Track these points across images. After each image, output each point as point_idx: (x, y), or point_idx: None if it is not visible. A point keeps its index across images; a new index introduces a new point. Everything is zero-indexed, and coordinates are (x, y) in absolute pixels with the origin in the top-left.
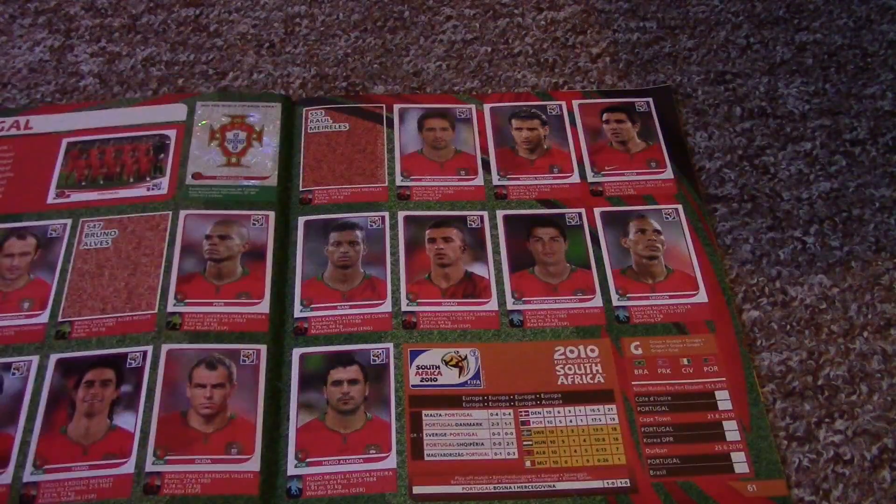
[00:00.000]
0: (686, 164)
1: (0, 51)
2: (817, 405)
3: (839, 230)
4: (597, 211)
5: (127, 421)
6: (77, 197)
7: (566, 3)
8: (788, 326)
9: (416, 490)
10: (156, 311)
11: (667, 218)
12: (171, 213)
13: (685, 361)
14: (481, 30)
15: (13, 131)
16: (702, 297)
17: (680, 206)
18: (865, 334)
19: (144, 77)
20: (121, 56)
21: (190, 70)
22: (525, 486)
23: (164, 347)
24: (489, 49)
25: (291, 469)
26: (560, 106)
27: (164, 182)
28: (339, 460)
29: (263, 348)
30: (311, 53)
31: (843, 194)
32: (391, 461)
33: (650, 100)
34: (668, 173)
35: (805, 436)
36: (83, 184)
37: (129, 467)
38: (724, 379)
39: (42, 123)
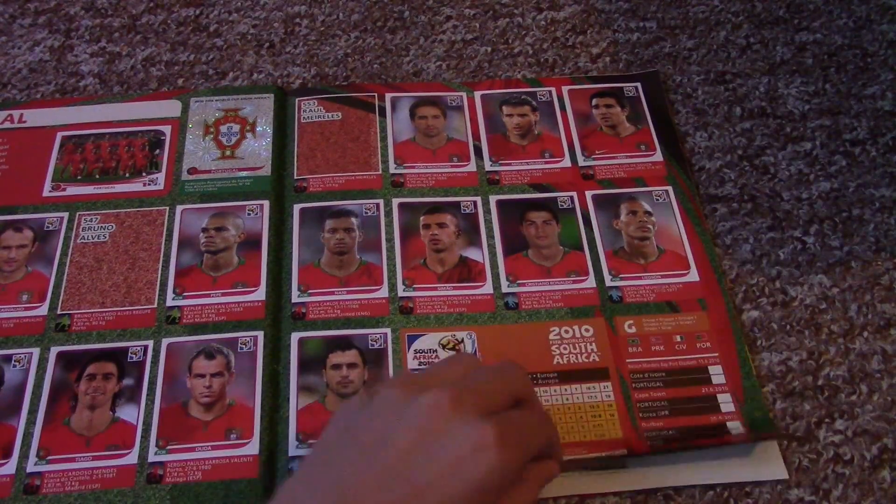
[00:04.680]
0: (675, 147)
1: (0, 51)
2: (817, 405)
3: (839, 230)
4: (588, 194)
5: (129, 413)
6: (73, 190)
7: (566, 3)
8: (788, 326)
9: None
10: (155, 305)
11: (657, 200)
12: (167, 208)
13: (678, 339)
14: (481, 30)
15: (7, 125)
16: (693, 275)
17: (670, 188)
18: (865, 334)
19: (144, 77)
20: (121, 56)
21: (190, 70)
22: None
23: (165, 342)
24: (489, 49)
25: (293, 450)
26: (550, 92)
27: (161, 178)
28: None
29: (260, 334)
30: (311, 53)
31: (843, 194)
32: None
33: (638, 84)
34: (658, 156)
35: (805, 436)
36: (79, 178)
37: (132, 458)
38: (716, 354)
39: (36, 118)
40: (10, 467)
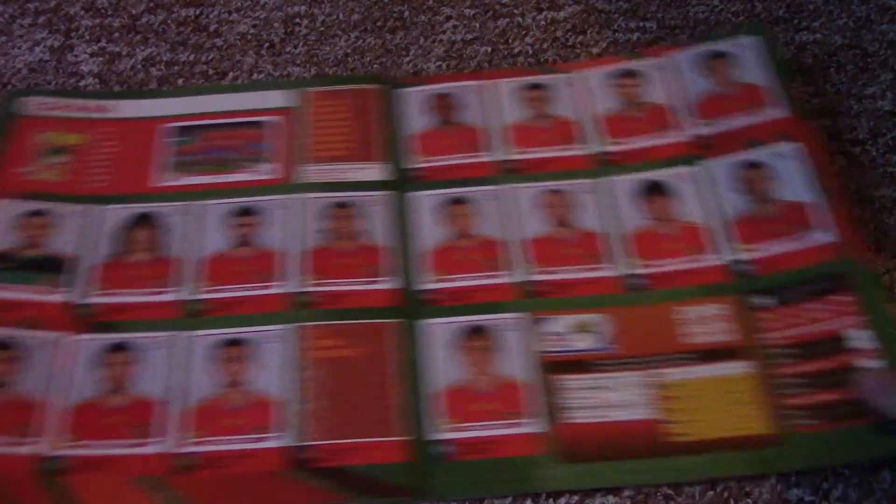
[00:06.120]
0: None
1: (0, 51)
2: None
3: None
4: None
5: None
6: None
7: (566, 3)
8: None
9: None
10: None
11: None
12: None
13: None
14: (481, 30)
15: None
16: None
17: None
18: None
19: (144, 77)
20: (121, 56)
21: (190, 70)
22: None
23: None
24: (489, 49)
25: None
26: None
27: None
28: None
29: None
30: (311, 53)
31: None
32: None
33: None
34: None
35: None
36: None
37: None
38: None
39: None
40: None
